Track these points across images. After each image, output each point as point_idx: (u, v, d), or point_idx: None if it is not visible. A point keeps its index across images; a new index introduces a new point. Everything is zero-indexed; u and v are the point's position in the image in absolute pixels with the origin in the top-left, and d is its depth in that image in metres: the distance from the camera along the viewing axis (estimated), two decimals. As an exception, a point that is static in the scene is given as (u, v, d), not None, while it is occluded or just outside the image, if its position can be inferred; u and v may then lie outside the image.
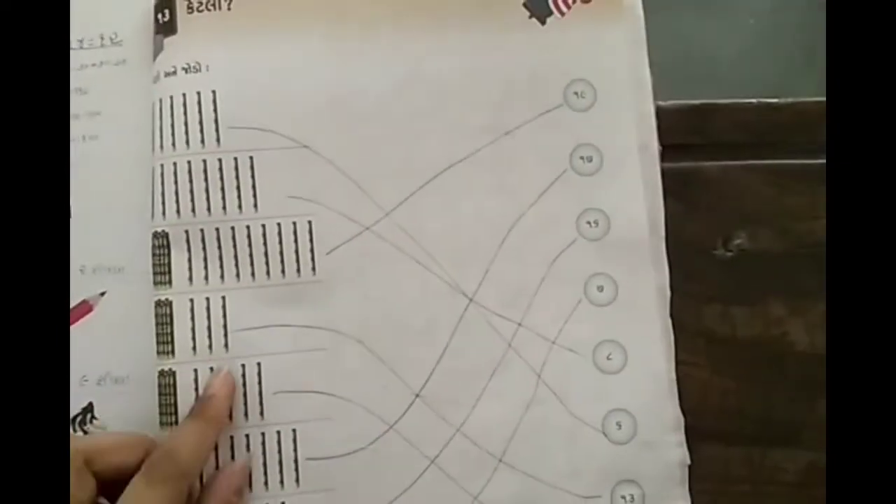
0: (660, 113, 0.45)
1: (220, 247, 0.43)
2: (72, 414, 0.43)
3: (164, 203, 0.43)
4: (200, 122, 0.44)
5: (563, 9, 0.45)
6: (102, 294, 0.44)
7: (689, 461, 0.43)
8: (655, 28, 0.46)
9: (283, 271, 0.43)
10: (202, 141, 0.43)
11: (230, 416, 0.42)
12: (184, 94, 0.44)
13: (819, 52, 0.39)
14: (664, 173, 0.45)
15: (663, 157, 0.45)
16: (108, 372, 0.43)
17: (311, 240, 0.43)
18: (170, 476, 0.38)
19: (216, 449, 0.41)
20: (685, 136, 0.46)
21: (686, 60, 0.48)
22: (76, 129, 0.45)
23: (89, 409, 0.43)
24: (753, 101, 0.47)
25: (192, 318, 0.42)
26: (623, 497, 0.42)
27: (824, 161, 0.46)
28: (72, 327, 0.44)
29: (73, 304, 0.44)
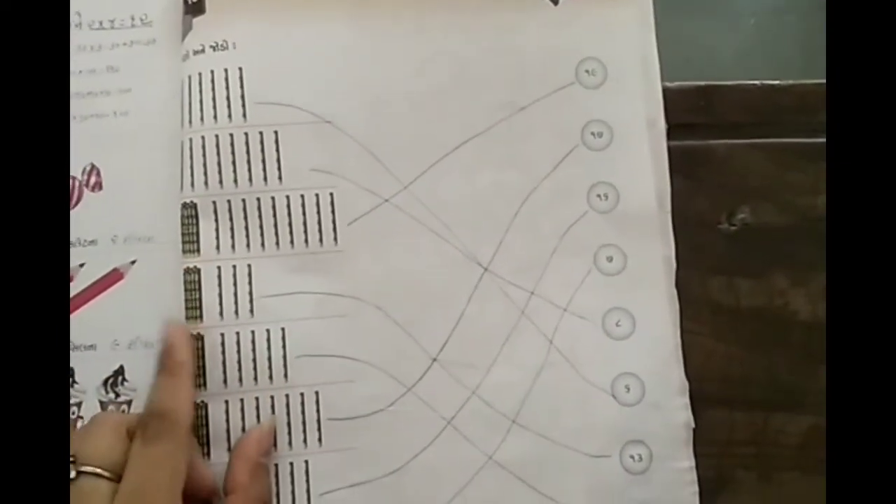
0: (667, 93, 0.47)
1: (246, 217, 0.44)
2: (104, 377, 0.45)
3: (192, 175, 0.45)
4: (228, 98, 0.45)
5: (575, -10, 0.47)
6: (133, 262, 0.46)
7: (693, 424, 0.44)
8: (656, 28, 0.47)
9: (306, 241, 0.45)
10: (229, 116, 0.45)
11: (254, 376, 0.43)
12: (212, 71, 0.45)
13: (819, 53, 0.41)
14: (671, 151, 0.46)
15: (670, 135, 0.46)
16: (139, 336, 0.45)
17: (332, 211, 0.45)
18: (161, 431, 0.38)
19: (243, 411, 0.43)
20: (691, 115, 0.48)
21: (686, 60, 0.49)
22: (107, 105, 0.47)
23: (120, 371, 0.45)
24: (756, 82, 0.48)
25: (220, 285, 0.44)
26: (631, 456, 0.44)
27: (824, 140, 0.47)
28: (103, 294, 0.45)
29: (104, 272, 0.45)
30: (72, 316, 0.45)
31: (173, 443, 0.38)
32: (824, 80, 0.44)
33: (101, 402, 0.44)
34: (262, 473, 0.42)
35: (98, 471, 0.37)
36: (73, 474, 0.37)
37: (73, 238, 0.46)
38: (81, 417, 0.44)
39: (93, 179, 0.46)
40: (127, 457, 0.38)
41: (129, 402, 0.45)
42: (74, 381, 0.45)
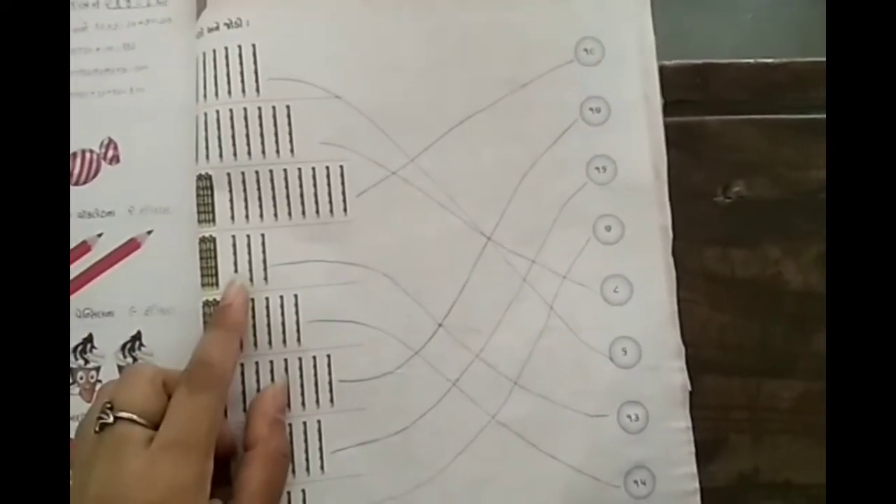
0: (664, 71, 0.48)
1: (259, 188, 0.46)
2: (122, 342, 0.46)
3: (207, 148, 0.46)
4: (241, 74, 0.47)
5: (575, -29, 0.49)
6: (149, 232, 0.47)
7: (689, 387, 0.45)
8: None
9: (317, 211, 0.46)
10: (243, 91, 0.47)
11: (269, 339, 0.45)
12: (226, 48, 0.47)
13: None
14: (669, 127, 0.48)
15: (668, 111, 0.48)
16: (155, 303, 0.47)
17: (342, 183, 0.47)
18: (208, 383, 0.40)
19: (258, 373, 0.45)
20: (688, 92, 0.49)
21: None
22: (124, 81, 0.49)
23: (137, 337, 0.46)
24: (751, 60, 0.50)
25: (234, 254, 0.45)
26: (629, 416, 0.45)
27: (816, 116, 0.49)
28: (121, 263, 0.47)
29: (122, 241, 0.47)
30: (90, 284, 0.47)
31: (216, 395, 0.40)
32: (817, 58, 0.46)
33: (119, 367, 0.46)
34: (280, 428, 0.43)
35: (134, 417, 0.38)
36: (110, 419, 0.38)
37: (91, 209, 0.47)
38: (100, 381, 0.46)
39: (110, 153, 0.48)
40: (161, 406, 0.39)
41: (146, 367, 0.46)
42: (93, 347, 0.46)
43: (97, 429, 0.38)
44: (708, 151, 0.49)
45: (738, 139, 0.49)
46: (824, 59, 0.45)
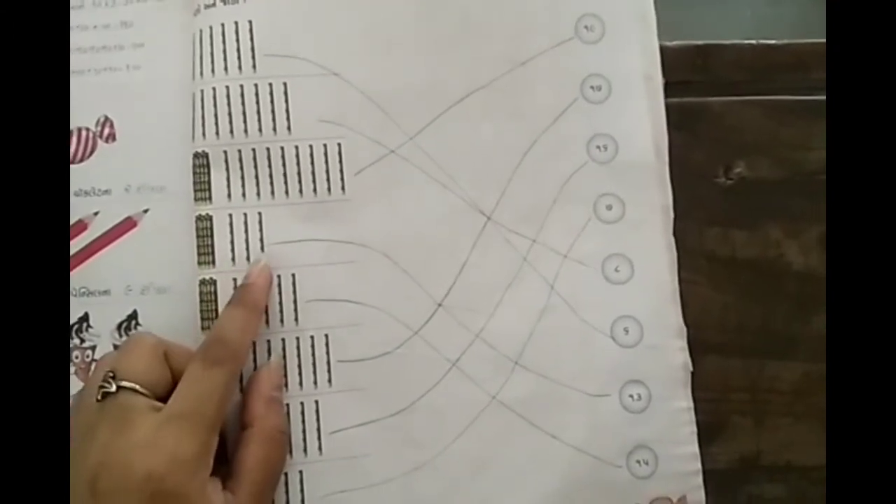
0: (665, 52, 0.48)
1: (256, 166, 0.46)
2: (118, 321, 0.46)
3: (204, 125, 0.46)
4: (238, 51, 0.46)
5: (575, -54, 0.48)
6: (146, 211, 0.47)
7: (691, 366, 0.45)
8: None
9: (314, 190, 0.46)
10: (240, 68, 0.46)
11: (266, 319, 0.45)
12: (222, 25, 0.47)
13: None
14: (670, 108, 0.47)
15: (670, 92, 0.48)
16: (152, 282, 0.46)
17: (340, 161, 0.46)
18: (223, 358, 0.40)
19: (254, 353, 0.44)
20: (690, 73, 0.49)
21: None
22: (121, 59, 0.48)
23: (134, 316, 0.46)
24: (752, 41, 0.50)
25: (231, 232, 0.45)
26: (630, 396, 0.45)
27: (817, 97, 0.49)
28: (117, 241, 0.46)
29: (118, 220, 0.47)
30: (86, 263, 0.46)
31: (230, 372, 0.40)
32: (818, 40, 0.46)
33: (115, 346, 0.45)
34: (277, 406, 0.43)
35: (136, 387, 0.38)
36: (112, 388, 0.38)
37: (87, 188, 0.47)
38: (95, 360, 0.45)
39: (106, 131, 0.47)
40: (163, 377, 0.40)
41: (141, 346, 0.45)
42: (89, 326, 0.46)
43: (99, 397, 0.38)
44: (709, 132, 0.49)
45: (740, 120, 0.49)
46: (825, 40, 0.45)
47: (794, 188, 0.49)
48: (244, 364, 0.42)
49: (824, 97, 0.48)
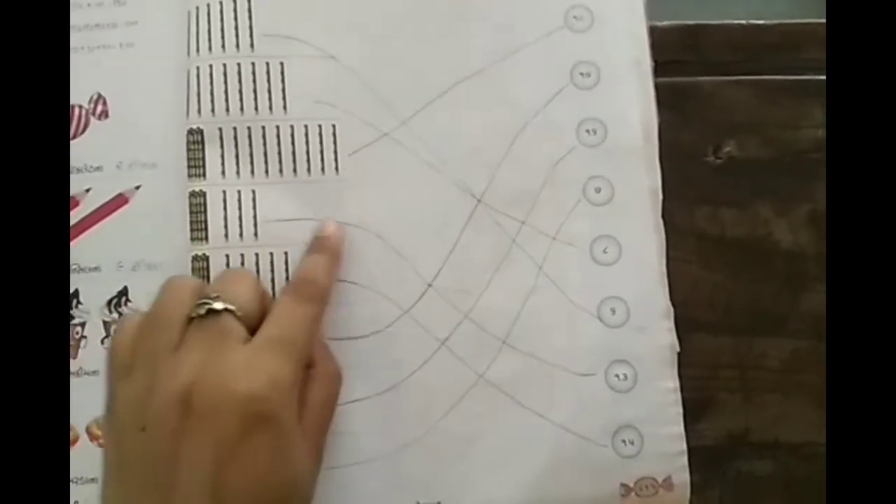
0: (656, 32, 0.48)
1: (251, 144, 0.46)
2: (108, 297, 0.46)
3: (199, 102, 0.46)
4: (236, 29, 0.47)
5: (563, -63, 0.49)
6: (137, 188, 0.47)
7: (678, 347, 0.45)
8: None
9: (308, 170, 0.46)
10: (237, 46, 0.47)
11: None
12: (221, 3, 0.47)
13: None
14: (661, 88, 0.48)
15: (660, 72, 0.48)
16: (142, 259, 0.46)
17: (334, 142, 0.47)
18: (312, 296, 0.41)
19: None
20: (680, 53, 0.50)
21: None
22: (114, 37, 0.49)
23: (124, 292, 0.46)
24: (742, 22, 0.50)
25: (225, 209, 0.45)
26: (616, 375, 0.45)
27: (807, 77, 0.49)
28: (108, 218, 0.47)
29: (110, 197, 0.47)
30: (77, 239, 0.46)
31: (318, 309, 0.41)
32: (808, 20, 0.46)
33: (105, 322, 0.46)
34: (330, 352, 0.44)
35: (238, 312, 0.39)
36: (219, 307, 0.38)
37: (79, 164, 0.47)
38: (85, 337, 0.46)
39: (99, 108, 0.48)
40: (259, 310, 0.40)
41: (132, 322, 0.46)
42: (79, 302, 0.46)
43: (202, 313, 0.38)
44: (699, 111, 0.49)
45: (730, 100, 0.50)
46: (816, 20, 0.45)
47: (783, 167, 0.49)
48: (327, 306, 0.43)
49: (815, 77, 0.49)
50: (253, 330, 0.39)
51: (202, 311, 0.38)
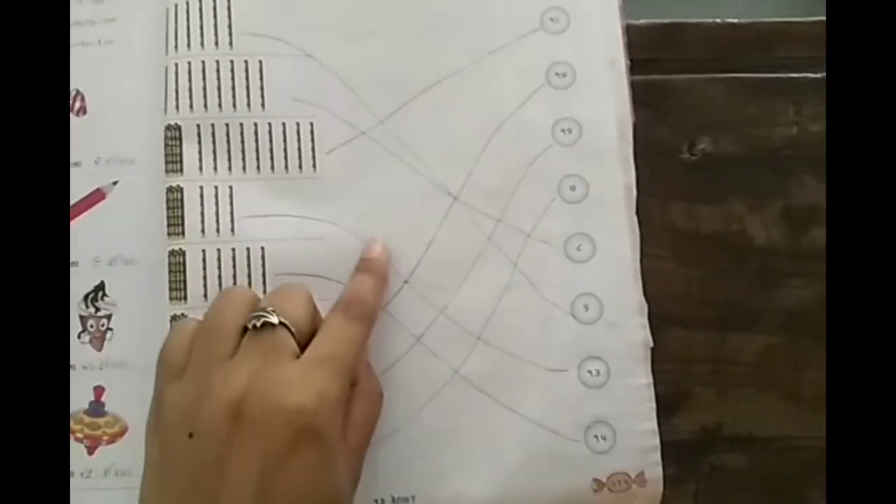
0: (633, 30, 0.49)
1: (228, 141, 0.46)
2: (84, 292, 0.46)
3: (177, 98, 0.46)
4: (215, 27, 0.47)
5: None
6: (115, 183, 0.47)
7: (651, 343, 0.46)
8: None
9: (286, 167, 0.47)
10: (216, 43, 0.47)
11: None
12: (200, 1, 0.48)
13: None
14: (637, 85, 0.48)
15: (636, 70, 0.48)
16: (119, 254, 0.47)
17: (312, 140, 0.47)
18: (362, 316, 0.42)
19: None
20: (656, 51, 0.50)
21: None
22: (93, 34, 0.49)
23: (101, 287, 0.46)
24: (717, 20, 0.50)
25: (202, 204, 0.46)
26: (589, 371, 0.45)
27: (781, 74, 0.50)
28: (85, 213, 0.47)
29: (87, 192, 0.47)
30: (56, 234, 0.47)
31: (366, 329, 0.42)
32: (782, 18, 0.47)
33: (82, 317, 0.46)
34: (373, 371, 0.44)
35: (291, 328, 0.39)
36: (275, 320, 0.39)
37: (59, 160, 0.47)
38: (63, 332, 0.46)
39: (78, 104, 0.48)
40: (311, 327, 0.41)
41: (108, 317, 0.46)
42: (57, 297, 0.46)
43: (258, 325, 0.39)
44: (674, 109, 0.50)
45: (704, 97, 0.50)
46: (789, 19, 0.46)
47: (757, 164, 0.49)
48: (373, 326, 0.43)
49: (787, 75, 0.49)
50: (303, 346, 0.40)
51: (258, 322, 0.39)
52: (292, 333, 0.39)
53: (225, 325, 0.40)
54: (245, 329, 0.39)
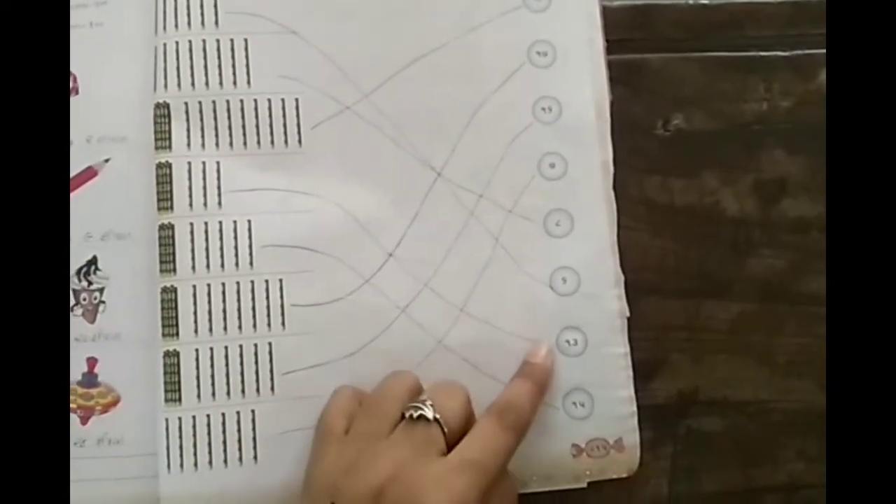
0: (608, 12, 0.50)
1: (216, 118, 0.47)
2: (77, 266, 0.47)
3: (166, 77, 0.48)
4: (201, 7, 0.48)
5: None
6: (106, 160, 0.48)
7: (628, 313, 0.47)
8: None
9: (272, 142, 0.48)
10: (202, 23, 0.48)
11: (221, 262, 0.46)
12: None
13: None
14: (613, 64, 0.50)
15: (612, 49, 0.50)
16: (111, 229, 0.48)
17: (297, 115, 0.48)
18: (516, 425, 0.42)
19: (209, 294, 0.46)
20: (631, 31, 0.51)
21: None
22: (84, 16, 0.50)
23: (93, 261, 0.47)
24: (690, 1, 0.52)
25: (190, 179, 0.47)
26: (567, 341, 0.47)
27: (751, 53, 0.51)
28: (78, 190, 0.48)
29: (79, 169, 0.48)
30: (48, 211, 0.47)
31: (517, 439, 0.42)
32: (751, 0, 0.48)
33: (75, 290, 0.47)
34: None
35: (444, 426, 0.41)
36: (432, 416, 0.40)
37: (50, 139, 0.48)
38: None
39: (70, 85, 0.49)
40: (462, 428, 0.41)
41: (101, 290, 0.47)
42: (50, 272, 0.47)
43: (414, 415, 0.40)
44: (649, 86, 0.51)
45: (678, 75, 0.51)
46: (759, 0, 0.47)
47: (728, 139, 0.51)
48: (525, 436, 0.43)
49: (757, 53, 0.51)
50: (453, 443, 0.40)
51: (415, 413, 0.40)
52: (443, 431, 0.40)
53: (385, 405, 0.41)
54: (403, 415, 0.41)
